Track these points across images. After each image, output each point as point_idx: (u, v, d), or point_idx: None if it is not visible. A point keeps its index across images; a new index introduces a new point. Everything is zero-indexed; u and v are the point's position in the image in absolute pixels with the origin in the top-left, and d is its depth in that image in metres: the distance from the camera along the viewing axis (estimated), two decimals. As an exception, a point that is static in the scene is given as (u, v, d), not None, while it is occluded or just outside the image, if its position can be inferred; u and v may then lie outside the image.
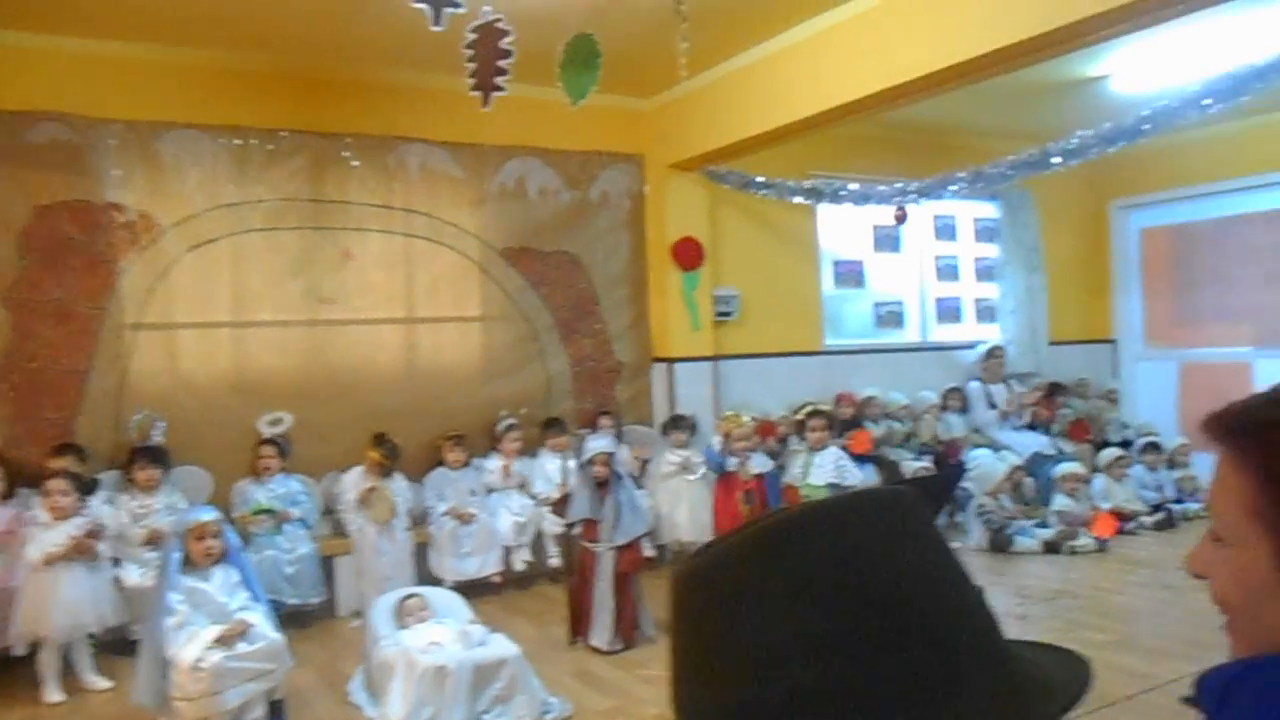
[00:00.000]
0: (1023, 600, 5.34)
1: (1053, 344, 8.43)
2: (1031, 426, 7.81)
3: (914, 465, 6.88)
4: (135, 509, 4.97)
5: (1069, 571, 5.96)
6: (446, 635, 3.98)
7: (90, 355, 5.25)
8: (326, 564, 5.54)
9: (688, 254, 6.82)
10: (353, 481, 5.64)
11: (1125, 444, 7.87)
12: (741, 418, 5.96)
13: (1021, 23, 4.12)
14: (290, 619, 5.08)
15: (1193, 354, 8.70)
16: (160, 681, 3.64)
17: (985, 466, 6.91)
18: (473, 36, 3.34)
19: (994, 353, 7.93)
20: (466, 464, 6.02)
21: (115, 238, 5.31)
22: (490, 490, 6.06)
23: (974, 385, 7.84)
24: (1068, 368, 8.49)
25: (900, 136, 7.72)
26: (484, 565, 5.82)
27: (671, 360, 6.86)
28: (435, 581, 5.51)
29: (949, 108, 6.70)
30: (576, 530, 4.94)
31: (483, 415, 6.28)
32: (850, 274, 7.89)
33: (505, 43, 3.40)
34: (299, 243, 5.78)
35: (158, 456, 5.13)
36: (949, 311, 8.34)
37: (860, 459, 6.78)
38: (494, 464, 6.10)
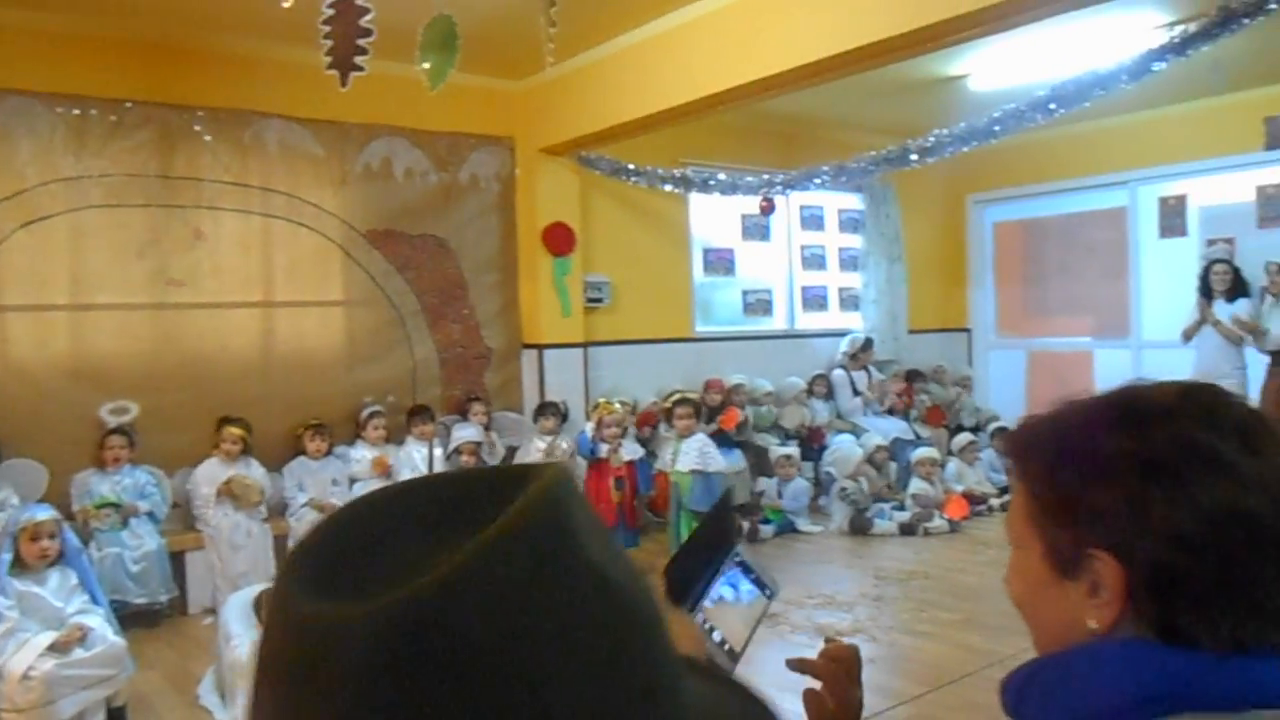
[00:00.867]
0: (879, 582, 5.54)
1: (912, 332, 8.76)
2: (891, 412, 8.09)
3: (780, 450, 7.03)
4: (-40, 506, 4.62)
5: (922, 552, 6.21)
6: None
7: (-93, 339, 4.84)
8: (177, 560, 5.28)
9: (558, 239, 6.76)
10: (208, 474, 5.39)
11: (976, 429, 8.25)
12: (614, 405, 5.96)
13: (885, 22, 4.23)
14: (136, 619, 4.83)
15: (1040, 343, 9.19)
16: (-14, 692, 3.39)
17: (844, 451, 7.13)
18: (329, 13, 3.20)
19: (868, 344, 8.18)
20: (329, 453, 5.83)
21: (-64, 212, 4.90)
22: (354, 480, 5.89)
23: (839, 373, 8.07)
24: (925, 355, 8.83)
25: (769, 127, 7.85)
26: (346, 557, 5.64)
27: (542, 347, 6.80)
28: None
29: (817, 101, 6.84)
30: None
31: (346, 403, 6.09)
32: (720, 262, 7.99)
33: (365, 20, 3.27)
34: (146, 221, 5.45)
35: (-15, 449, 4.78)
36: (815, 300, 8.55)
37: (729, 444, 6.90)
38: (359, 453, 5.94)
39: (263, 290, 5.84)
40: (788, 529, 6.76)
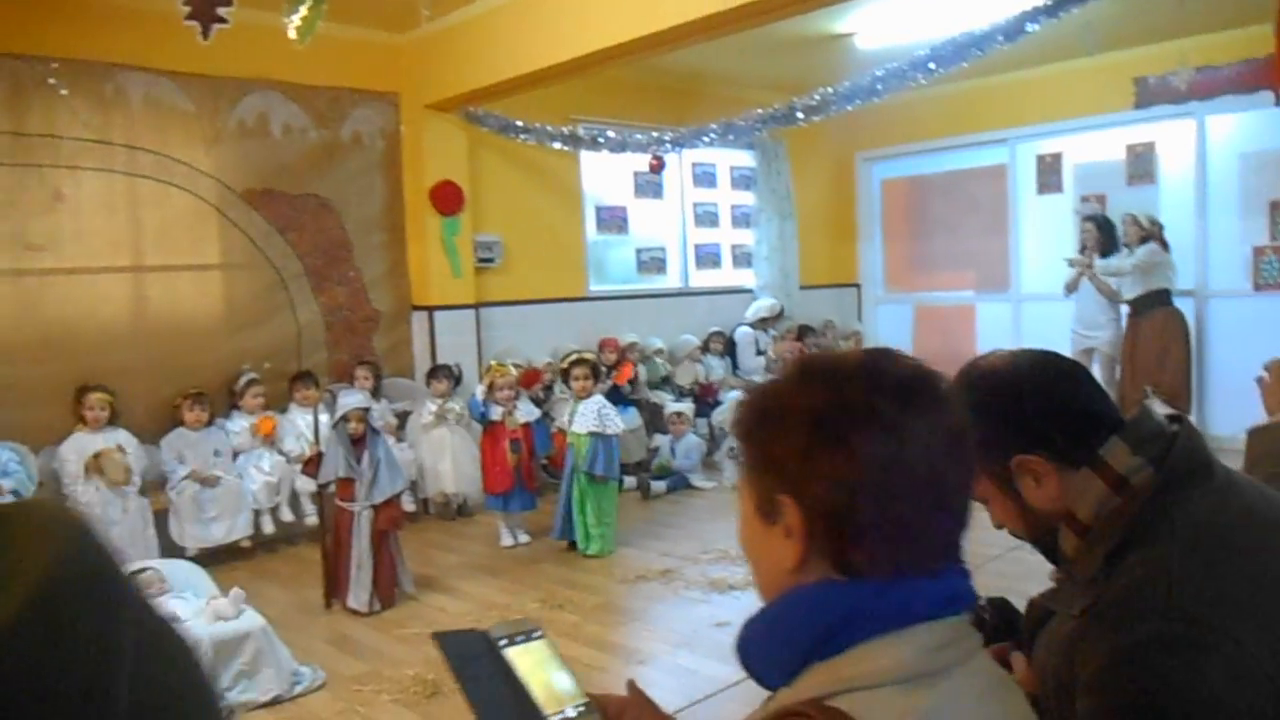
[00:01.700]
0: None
1: (803, 288, 8.88)
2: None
3: (673, 406, 7.07)
4: None
5: (814, 504, 6.34)
6: (185, 610, 3.72)
7: None
8: (46, 538, 5.02)
9: (447, 198, 6.61)
10: (74, 447, 5.13)
11: (866, 382, 8.44)
12: (507, 366, 5.89)
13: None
14: (3, 602, 4.59)
15: (925, 297, 9.44)
16: None
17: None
18: (186, -40, 3.01)
19: (781, 313, 8.26)
20: (209, 423, 5.61)
21: None
22: (238, 452, 5.69)
23: (744, 331, 8.14)
24: (816, 310, 8.99)
25: (661, 84, 7.79)
26: (232, 530, 5.48)
27: (432, 308, 6.67)
28: (178, 551, 5.15)
29: (708, 57, 6.81)
30: (330, 489, 4.74)
31: (226, 370, 5.87)
32: (613, 220, 7.94)
33: (226, -31, 3.09)
34: (-1, 182, 5.11)
35: None
36: (708, 257, 8.59)
37: (624, 402, 6.92)
38: (236, 424, 5.74)
39: (131, 254, 5.55)
40: (681, 485, 6.83)
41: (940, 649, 0.83)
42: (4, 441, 4.99)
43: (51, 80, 5.23)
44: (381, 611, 4.55)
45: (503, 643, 1.13)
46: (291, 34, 3.27)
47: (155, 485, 5.38)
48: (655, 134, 6.50)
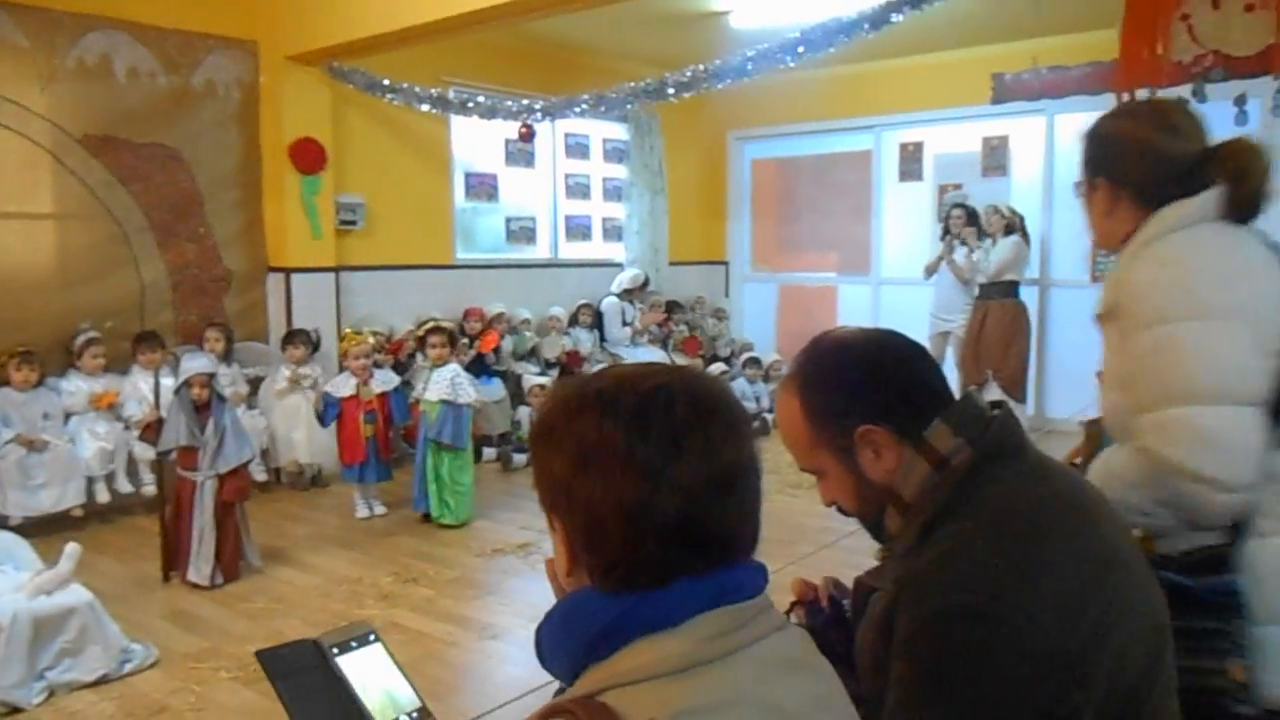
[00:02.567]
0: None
1: (672, 264, 8.94)
2: (651, 342, 8.27)
3: (534, 379, 7.02)
4: None
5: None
6: (2, 584, 3.47)
7: None
8: None
9: (307, 156, 6.34)
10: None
11: (730, 358, 8.59)
12: (364, 335, 5.72)
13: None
14: None
15: (791, 277, 9.65)
16: None
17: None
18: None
19: (645, 283, 8.27)
20: (39, 384, 5.25)
21: None
22: (70, 414, 5.35)
23: (611, 301, 8.13)
24: (685, 286, 9.07)
25: (537, 51, 7.67)
26: (62, 498, 5.16)
27: (289, 270, 6.40)
28: (0, 519, 4.81)
29: (585, 28, 6.75)
30: (171, 457, 4.51)
31: (58, 328, 5.49)
32: (483, 187, 7.79)
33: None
34: None
35: None
36: (579, 229, 8.54)
37: (488, 373, 6.83)
38: (72, 384, 5.39)
39: (-50, 199, 5.12)
40: (545, 458, 6.78)
41: (717, 637, 0.85)
42: None
43: None
44: (224, 585, 4.37)
45: (334, 651, 1.10)
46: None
47: (-25, 449, 5.01)
48: (526, 102, 6.39)
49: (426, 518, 5.33)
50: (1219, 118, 4.50)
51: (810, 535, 4.85)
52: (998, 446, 1.22)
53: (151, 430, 4.57)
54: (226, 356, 5.92)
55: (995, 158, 8.08)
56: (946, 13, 5.01)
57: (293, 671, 1.09)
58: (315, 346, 6.21)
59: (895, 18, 4.33)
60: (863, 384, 1.27)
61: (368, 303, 6.82)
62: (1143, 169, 1.61)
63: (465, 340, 6.76)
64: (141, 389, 5.50)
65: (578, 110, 6.09)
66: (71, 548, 3.51)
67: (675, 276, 8.95)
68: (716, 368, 7.98)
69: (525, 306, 7.58)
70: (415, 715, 1.07)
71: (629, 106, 6.21)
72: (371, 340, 5.71)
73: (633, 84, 5.75)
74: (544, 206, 8.27)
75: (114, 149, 5.67)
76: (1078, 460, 2.00)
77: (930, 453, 1.23)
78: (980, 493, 1.19)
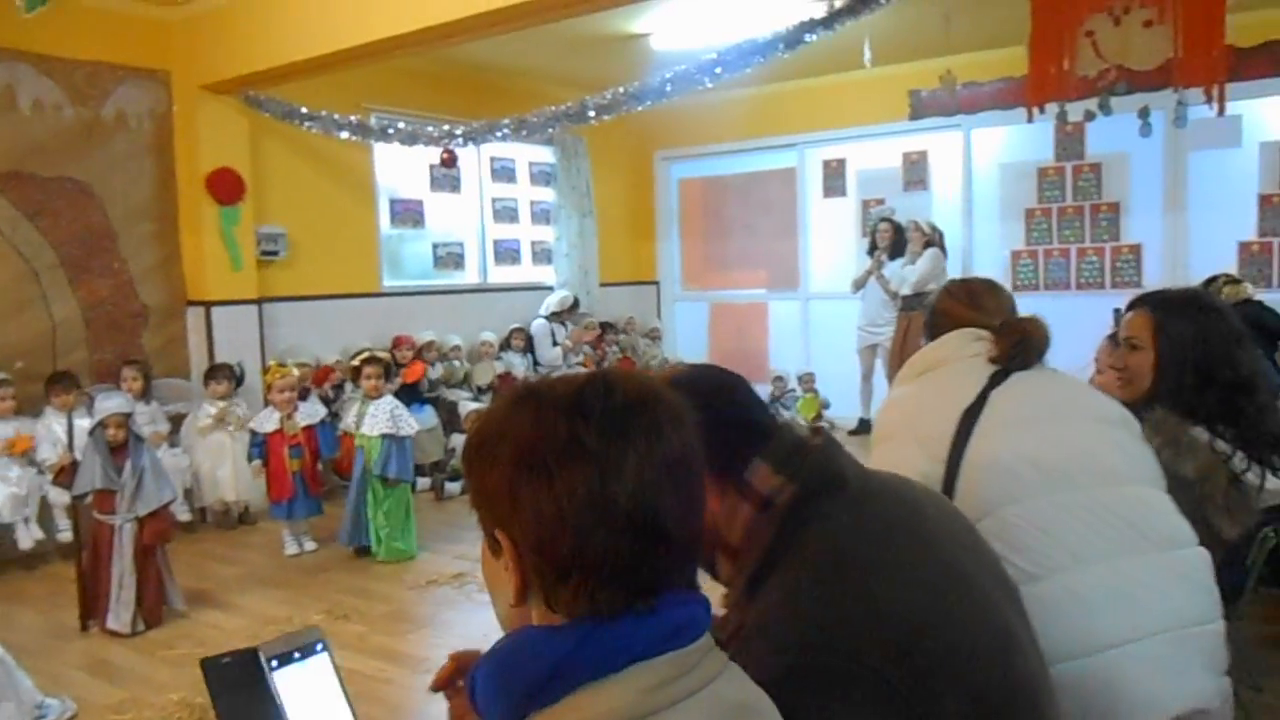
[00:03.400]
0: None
1: (603, 285, 8.94)
2: (584, 363, 8.25)
3: (470, 405, 6.95)
4: None
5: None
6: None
7: None
8: None
9: (225, 187, 6.21)
10: None
11: (665, 378, 8.59)
12: (288, 367, 5.60)
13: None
14: None
15: (721, 295, 9.71)
16: None
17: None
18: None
19: (575, 304, 8.25)
20: (-56, 430, 5.04)
21: None
22: (-22, 459, 5.14)
23: (539, 323, 8.09)
24: (616, 308, 9.07)
25: (458, 75, 7.64)
26: (-29, 548, 4.95)
27: (209, 304, 6.25)
28: (-98, 574, 4.59)
29: (506, 51, 6.73)
30: (87, 501, 4.34)
31: (-36, 371, 5.27)
32: (409, 213, 7.71)
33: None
34: None
35: None
36: (508, 253, 8.50)
37: (420, 401, 6.73)
38: (-18, 430, 5.18)
39: None
40: (479, 486, 6.70)
41: (660, 687, 0.81)
42: None
43: None
44: (146, 632, 4.21)
45: (273, 664, 1.04)
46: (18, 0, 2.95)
47: (-124, 502, 4.77)
48: (447, 127, 6.35)
49: (361, 551, 5.22)
50: (1125, 129, 4.67)
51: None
52: (819, 480, 1.19)
53: (66, 474, 4.41)
54: (145, 394, 5.75)
55: (915, 172, 8.25)
56: (860, 32, 5.11)
57: (229, 683, 1.04)
58: (239, 381, 6.06)
59: (809, 38, 4.40)
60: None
61: (293, 334, 6.68)
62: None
63: (397, 369, 6.66)
64: (55, 431, 5.30)
65: (499, 134, 6.07)
66: None
67: (606, 297, 8.95)
68: (650, 388, 7.96)
69: (456, 333, 7.50)
70: None
71: (552, 129, 6.20)
72: (296, 373, 5.60)
73: (554, 107, 5.75)
74: (472, 231, 8.21)
75: (19, 184, 5.49)
76: None
77: (752, 494, 1.19)
78: (805, 533, 1.15)
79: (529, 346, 8.02)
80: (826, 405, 8.07)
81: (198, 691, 3.56)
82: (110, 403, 4.35)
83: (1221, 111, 3.81)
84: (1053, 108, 4.12)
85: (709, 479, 1.13)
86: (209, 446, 5.85)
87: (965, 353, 1.85)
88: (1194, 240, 7.10)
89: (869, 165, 8.52)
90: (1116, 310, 2.47)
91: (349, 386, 6.35)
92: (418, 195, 7.75)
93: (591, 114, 5.42)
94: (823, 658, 1.05)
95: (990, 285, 2.10)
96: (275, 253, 6.60)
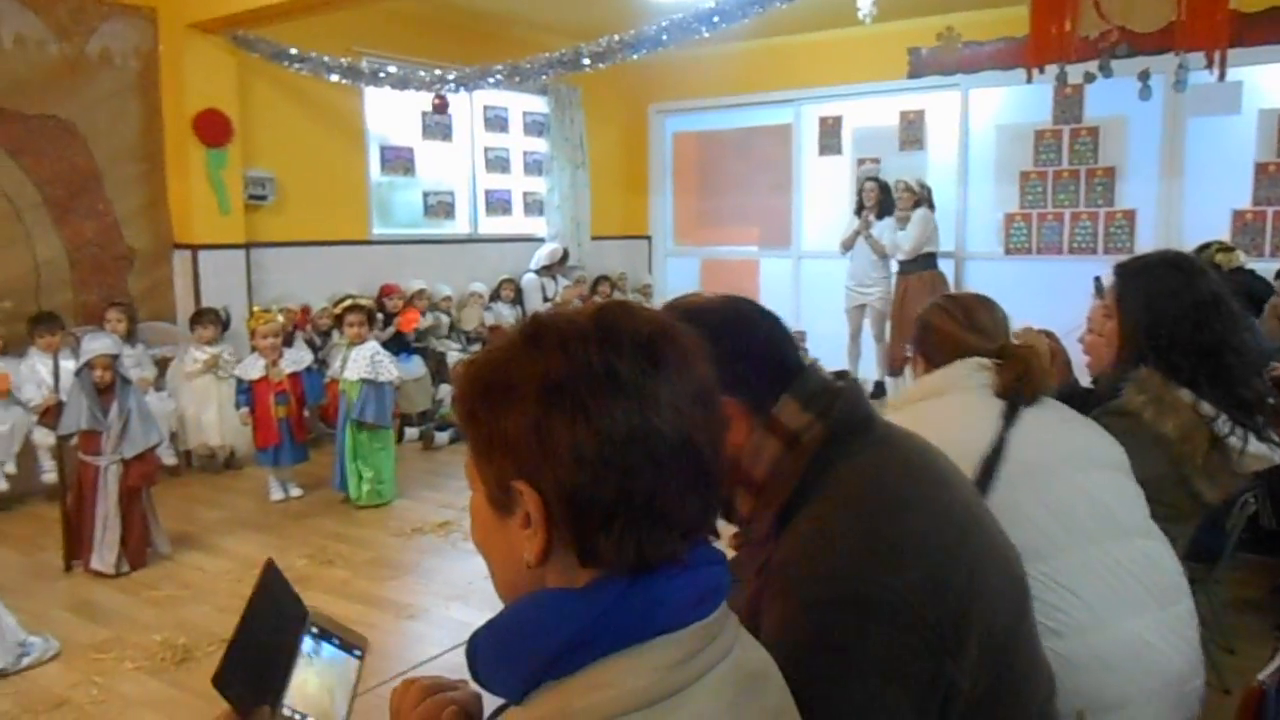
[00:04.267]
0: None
1: (595, 238, 8.88)
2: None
3: (457, 355, 6.93)
4: None
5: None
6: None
7: None
8: None
9: (212, 128, 6.12)
10: None
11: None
12: (272, 313, 5.56)
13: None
14: None
15: (713, 251, 9.67)
16: None
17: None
18: None
19: (565, 256, 8.20)
20: (-74, 368, 5.00)
21: None
22: (-39, 399, 5.11)
23: (530, 278, 8.05)
24: (608, 262, 9.01)
25: (451, 20, 7.51)
26: (-45, 487, 4.93)
27: (196, 247, 6.18)
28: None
29: (500, -4, 6.61)
30: (73, 442, 4.33)
31: (-53, 310, 5.22)
32: (399, 161, 7.62)
33: None
34: None
35: None
36: (499, 204, 8.42)
37: (408, 350, 6.70)
38: (-36, 368, 5.14)
39: None
40: (464, 436, 6.70)
41: (683, 663, 0.77)
42: None
43: None
44: (130, 573, 4.22)
45: (314, 631, 1.00)
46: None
47: None
48: (440, 72, 6.25)
49: (348, 499, 5.23)
50: (1124, 92, 4.63)
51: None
52: (847, 421, 1.19)
53: (51, 414, 4.38)
54: (130, 337, 5.70)
55: (912, 131, 8.17)
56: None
57: (273, 605, 1.00)
58: (225, 325, 6.02)
59: (809, -11, 4.33)
60: (715, 353, 1.22)
61: (280, 280, 6.63)
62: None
63: (381, 317, 6.62)
64: (39, 372, 5.26)
65: (492, 81, 5.97)
66: None
67: (598, 251, 8.90)
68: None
69: (445, 283, 7.46)
70: None
71: (545, 77, 6.11)
72: (281, 319, 5.56)
73: (548, 55, 5.66)
74: (463, 180, 8.12)
75: (2, 121, 5.40)
76: None
77: (781, 430, 1.19)
78: (834, 471, 1.16)
79: (518, 298, 7.98)
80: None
81: (181, 632, 3.58)
82: (98, 344, 4.32)
83: (1222, 76, 3.78)
84: (1053, 69, 4.06)
85: (734, 412, 1.14)
86: (195, 391, 5.83)
87: (970, 383, 1.82)
88: (1188, 207, 7.08)
89: (865, 123, 8.44)
90: (1096, 279, 2.46)
91: (335, 334, 6.31)
92: (409, 143, 7.65)
93: (586, 62, 5.33)
94: (859, 586, 1.06)
95: (984, 302, 2.08)
96: (263, 197, 6.53)
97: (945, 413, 1.80)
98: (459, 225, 8.10)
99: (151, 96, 6.05)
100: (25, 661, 3.38)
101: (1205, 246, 5.58)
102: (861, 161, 8.27)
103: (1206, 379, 2.08)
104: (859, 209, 7.66)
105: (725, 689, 0.80)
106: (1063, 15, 4.11)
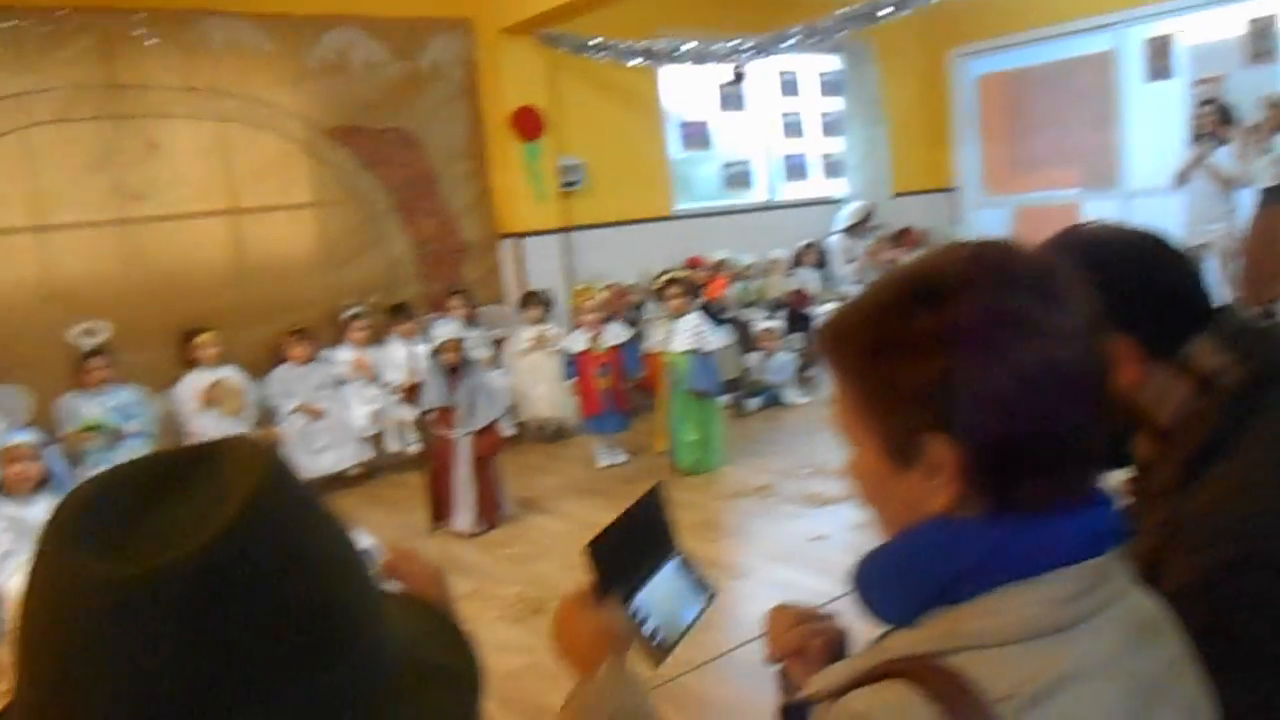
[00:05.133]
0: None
1: (896, 195, 8.60)
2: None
3: (763, 323, 6.99)
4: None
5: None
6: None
7: None
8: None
9: (527, 124, 6.57)
10: (192, 384, 5.37)
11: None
12: (594, 290, 5.90)
13: None
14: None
15: (1027, 198, 9.03)
16: (-12, 616, 3.45)
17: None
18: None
19: (869, 215, 8.05)
20: (313, 358, 5.79)
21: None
22: (340, 383, 5.87)
23: (834, 239, 7.96)
24: (911, 218, 8.70)
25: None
26: (340, 459, 5.69)
27: (519, 235, 6.69)
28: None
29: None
30: (431, 417, 4.87)
31: (325, 306, 6.03)
32: (697, 135, 7.79)
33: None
34: (97, 134, 5.28)
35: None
36: (796, 168, 8.38)
37: (715, 320, 6.86)
38: (344, 355, 5.91)
39: (226, 198, 5.70)
40: (773, 402, 6.78)
41: (1071, 600, 0.76)
42: (126, 384, 5.24)
43: (137, 31, 5.35)
44: (486, 533, 4.69)
45: (680, 556, 1.17)
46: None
47: (263, 420, 5.60)
48: (735, 43, 6.30)
49: (675, 468, 5.41)
50: None
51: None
52: (1272, 367, 1.08)
53: (412, 393, 4.94)
54: (470, 321, 6.29)
55: (1263, 41, 7.16)
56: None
57: (651, 516, 1.18)
58: (549, 306, 6.48)
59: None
60: (1111, 290, 1.04)
61: (595, 260, 7.01)
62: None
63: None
64: (397, 357, 5.95)
65: (788, 44, 5.93)
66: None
67: (900, 208, 8.61)
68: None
69: (746, 251, 7.55)
70: (657, 641, 1.10)
71: (840, 34, 5.97)
72: (606, 294, 5.86)
73: (845, 10, 5.53)
74: (759, 148, 8.16)
75: (357, 137, 6.12)
76: None
77: (1192, 372, 1.09)
78: (1253, 421, 1.05)
79: (821, 262, 7.91)
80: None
81: (533, 587, 3.92)
82: (446, 329, 4.82)
83: None
84: None
85: (1134, 351, 1.10)
86: (526, 367, 6.32)
87: None
88: None
89: (1202, 39, 7.50)
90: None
91: (650, 307, 6.59)
92: (704, 117, 7.80)
93: (885, 11, 5.16)
94: (1271, 545, 0.99)
95: None
96: (575, 183, 6.93)
97: None
98: (757, 193, 8.16)
99: (474, 100, 6.60)
100: (408, 609, 3.85)
101: None
102: (1200, 83, 7.36)
103: None
104: (1197, 136, 6.84)
105: (1116, 631, 0.78)
106: None
